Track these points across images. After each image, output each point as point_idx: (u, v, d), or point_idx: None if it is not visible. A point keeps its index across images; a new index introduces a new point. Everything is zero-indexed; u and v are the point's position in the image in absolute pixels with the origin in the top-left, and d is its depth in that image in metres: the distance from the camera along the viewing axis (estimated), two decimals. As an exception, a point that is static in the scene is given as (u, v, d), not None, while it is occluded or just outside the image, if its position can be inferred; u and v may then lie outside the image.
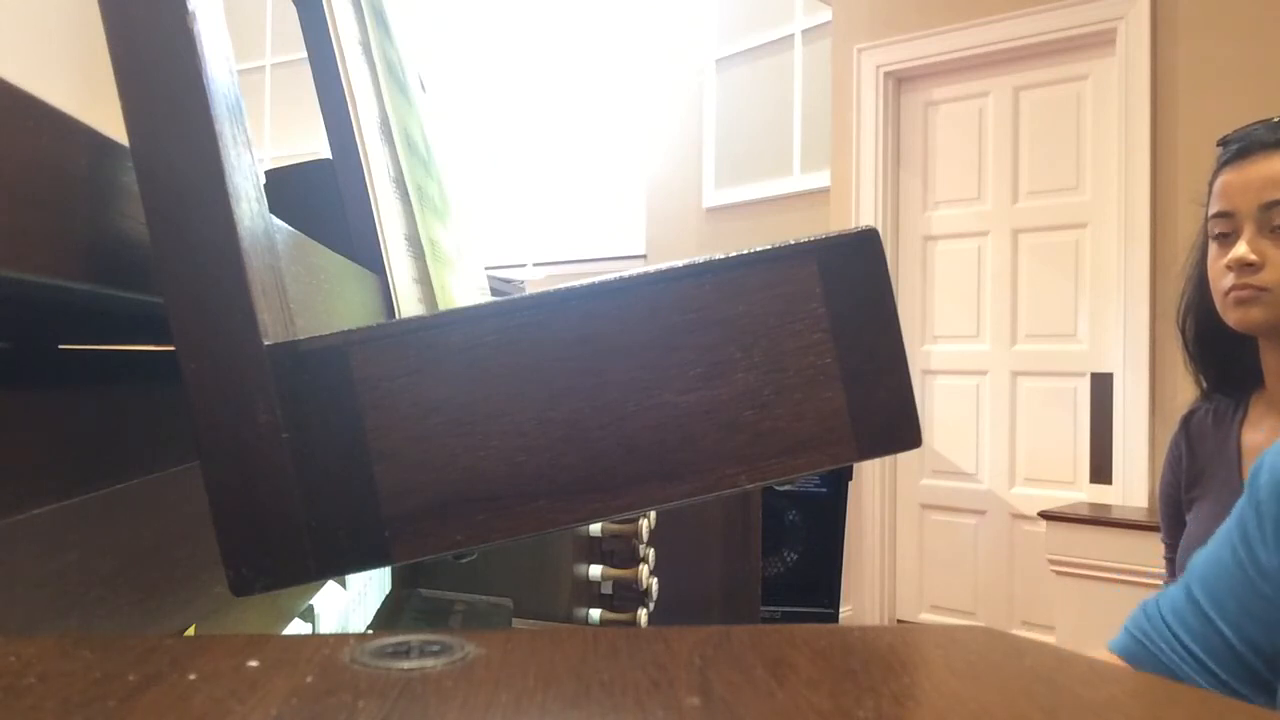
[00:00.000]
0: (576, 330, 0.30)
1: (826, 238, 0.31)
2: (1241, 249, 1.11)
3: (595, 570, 1.23)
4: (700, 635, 0.25)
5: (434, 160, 0.72)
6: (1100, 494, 3.20)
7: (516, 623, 1.10)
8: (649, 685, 0.21)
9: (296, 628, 0.62)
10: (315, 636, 0.27)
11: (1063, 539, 2.93)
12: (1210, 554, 0.87)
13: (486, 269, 1.05)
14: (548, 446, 0.30)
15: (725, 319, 0.30)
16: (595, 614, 1.21)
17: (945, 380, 3.66)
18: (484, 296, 0.85)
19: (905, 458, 3.65)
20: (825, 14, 3.94)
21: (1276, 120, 1.14)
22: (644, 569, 1.25)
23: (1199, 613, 0.85)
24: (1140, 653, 0.88)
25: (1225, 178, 1.15)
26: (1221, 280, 1.14)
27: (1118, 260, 3.16)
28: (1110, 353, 3.21)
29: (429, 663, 0.22)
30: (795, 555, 3.19)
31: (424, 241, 0.58)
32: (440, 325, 0.30)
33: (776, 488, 3.02)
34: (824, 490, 3.20)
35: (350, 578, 0.76)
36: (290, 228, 0.37)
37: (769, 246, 0.31)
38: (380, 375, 0.29)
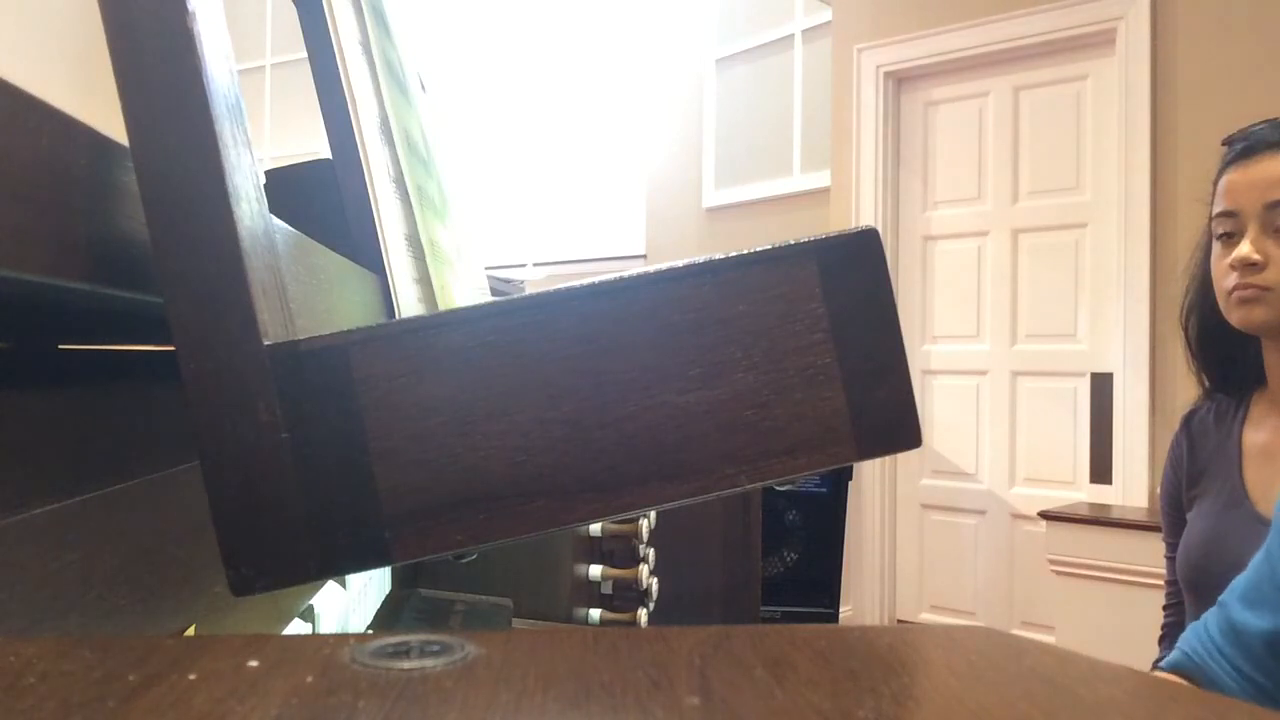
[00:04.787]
0: (576, 330, 0.30)
1: (826, 238, 0.31)
2: (1245, 248, 1.11)
3: (595, 570, 1.23)
4: (700, 635, 0.25)
5: (434, 160, 0.72)
6: (1100, 494, 3.20)
7: (516, 623, 1.10)
8: (649, 685, 0.21)
9: (296, 628, 0.62)
10: (315, 636, 0.27)
11: (1063, 539, 2.93)
12: (1248, 578, 0.91)
13: (486, 269, 1.05)
14: (548, 446, 0.30)
15: (725, 319, 0.30)
16: (595, 614, 1.21)
17: (945, 380, 3.66)
18: (484, 296, 0.85)
19: (905, 458, 3.65)
20: (825, 14, 3.94)
21: None
22: (644, 569, 1.25)
23: (1238, 634, 0.89)
24: (1192, 669, 0.92)
25: (1230, 177, 1.15)
26: (1225, 280, 1.14)
27: (1118, 260, 3.16)
28: (1110, 353, 3.21)
29: (429, 663, 0.22)
30: (795, 555, 3.18)
31: (424, 241, 0.58)
32: (440, 325, 0.30)
33: (776, 488, 3.02)
34: (824, 490, 3.20)
35: (350, 578, 0.76)
36: (290, 228, 0.37)
37: (769, 246, 0.31)
38: (380, 375, 0.29)
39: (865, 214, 3.72)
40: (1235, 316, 1.14)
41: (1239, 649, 0.88)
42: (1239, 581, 0.92)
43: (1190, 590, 1.20)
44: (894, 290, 0.32)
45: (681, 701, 0.20)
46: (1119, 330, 3.15)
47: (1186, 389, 1.34)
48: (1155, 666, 1.20)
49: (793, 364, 0.30)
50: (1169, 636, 1.28)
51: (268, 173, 0.65)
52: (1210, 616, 0.93)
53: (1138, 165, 3.09)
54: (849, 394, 0.31)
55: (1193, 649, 0.93)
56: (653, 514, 1.28)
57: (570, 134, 5.13)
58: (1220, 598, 0.93)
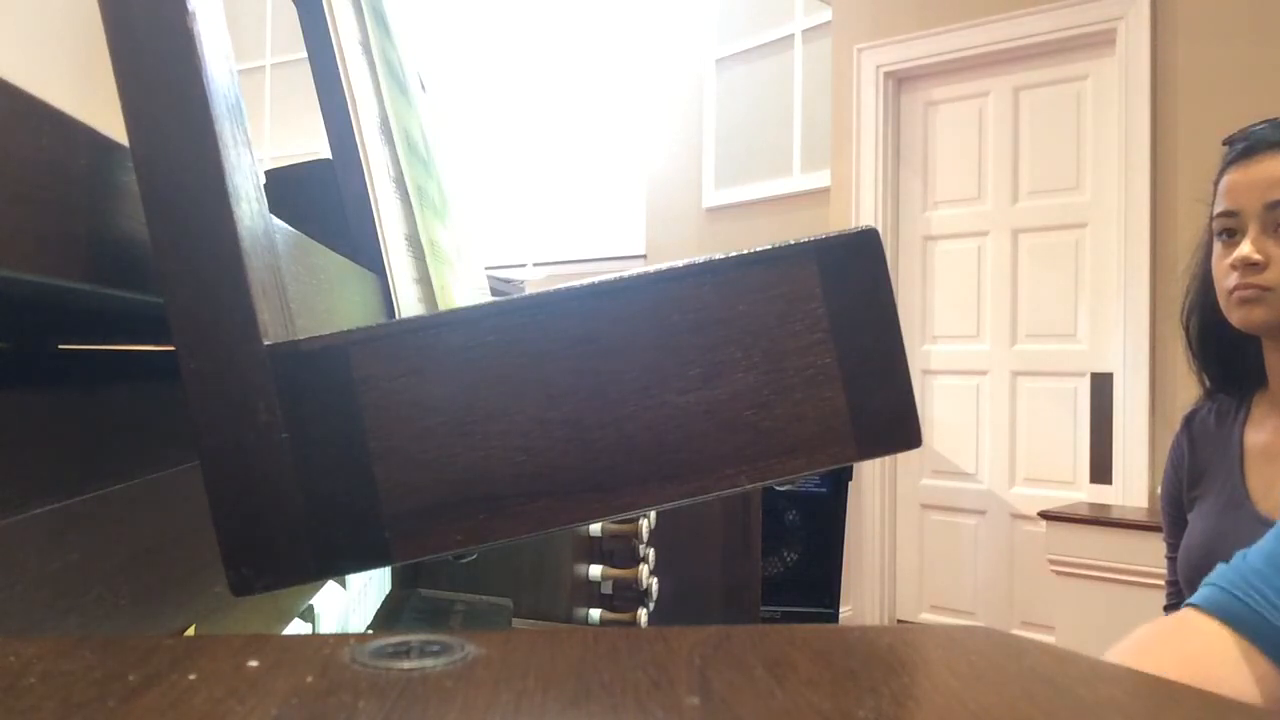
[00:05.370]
0: (576, 330, 0.30)
1: (826, 238, 0.31)
2: (1246, 248, 1.11)
3: (595, 570, 1.23)
4: (700, 635, 0.25)
5: (434, 160, 0.72)
6: (1100, 494, 3.20)
7: (516, 623, 1.10)
8: (649, 685, 0.21)
9: (296, 628, 0.62)
10: (315, 636, 0.27)
11: (1063, 539, 2.93)
12: None
13: (486, 269, 1.05)
14: (548, 446, 0.30)
15: (725, 319, 0.30)
16: (595, 614, 1.21)
17: (945, 380, 3.66)
18: (484, 296, 0.85)
19: (905, 458, 3.65)
20: (825, 14, 3.94)
21: None
22: (644, 569, 1.25)
23: None
24: (1232, 605, 0.83)
25: (1230, 177, 1.15)
26: (1225, 279, 1.14)
27: (1118, 260, 3.16)
28: (1110, 353, 3.21)
29: (429, 663, 0.22)
30: (795, 555, 3.19)
31: (424, 241, 0.58)
32: (440, 325, 0.30)
33: (776, 488, 3.02)
34: (824, 490, 3.20)
35: (350, 578, 0.76)
36: (290, 228, 0.37)
37: (769, 246, 0.31)
38: (380, 375, 0.29)
39: (865, 214, 3.72)
40: (1236, 316, 1.14)
41: None
42: None
43: (1191, 590, 1.20)
44: (894, 290, 0.32)
45: (681, 701, 0.20)
46: (1119, 330, 3.15)
47: (1186, 389, 1.34)
48: (1172, 609, 1.16)
49: (793, 364, 0.30)
50: (1169, 636, 1.28)
51: (268, 173, 0.65)
52: (1253, 551, 0.85)
53: (1138, 165, 3.09)
54: (849, 394, 0.31)
55: (1230, 583, 0.84)
56: (653, 514, 1.28)
57: (570, 134, 5.13)
58: (1270, 532, 0.85)
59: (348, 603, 0.75)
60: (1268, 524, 1.13)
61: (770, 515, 3.03)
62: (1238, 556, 0.86)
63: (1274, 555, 0.82)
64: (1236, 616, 0.80)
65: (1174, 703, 0.21)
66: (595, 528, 1.19)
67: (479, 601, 1.05)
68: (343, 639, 0.24)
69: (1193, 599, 0.86)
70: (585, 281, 0.30)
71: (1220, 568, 0.87)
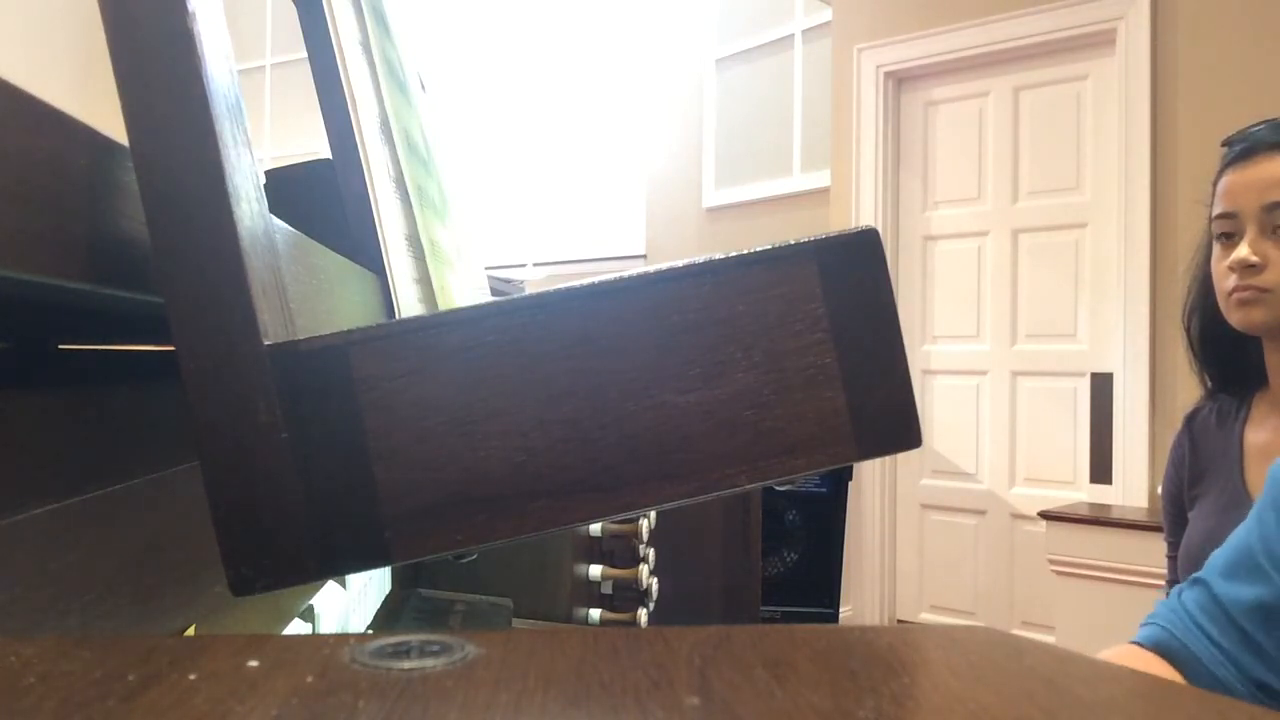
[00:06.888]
0: (576, 330, 0.30)
1: (826, 238, 0.31)
2: (1243, 250, 1.11)
3: (595, 570, 1.23)
4: (700, 635, 0.25)
5: (434, 160, 0.72)
6: (1100, 494, 3.20)
7: (516, 623, 1.10)
8: (649, 685, 0.21)
9: (296, 628, 0.62)
10: (315, 636, 0.27)
11: (1063, 539, 2.93)
12: (1228, 552, 0.88)
13: (486, 269, 1.04)
14: (548, 446, 0.30)
15: (725, 319, 0.30)
16: (595, 614, 1.21)
17: (945, 380, 3.66)
18: (484, 296, 0.85)
19: (905, 458, 3.65)
20: (825, 14, 3.94)
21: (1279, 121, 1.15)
22: (644, 569, 1.25)
23: (1221, 609, 0.86)
24: (1171, 643, 0.88)
25: (1229, 178, 1.16)
26: (1224, 281, 1.14)
27: (1118, 260, 3.16)
28: (1110, 353, 3.21)
29: (429, 663, 0.22)
30: (795, 555, 3.19)
31: (424, 241, 0.58)
32: (440, 325, 0.30)
33: (776, 488, 3.02)
34: (824, 490, 3.20)
35: (350, 578, 0.76)
36: (290, 228, 0.37)
37: (769, 246, 0.31)
38: (380, 375, 0.29)
39: (865, 214, 3.72)
40: (1235, 318, 1.14)
41: (1219, 624, 0.85)
42: (1217, 557, 0.90)
43: (1190, 590, 1.20)
44: (894, 290, 0.32)
45: (681, 701, 0.20)
46: (1119, 330, 3.15)
47: (1187, 389, 1.34)
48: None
49: (793, 364, 0.30)
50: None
51: (268, 173, 0.65)
52: (1187, 594, 0.90)
53: (1138, 165, 3.09)
54: (849, 394, 0.31)
55: (1171, 624, 0.89)
56: (653, 514, 1.28)
57: (570, 134, 5.13)
58: (1196, 575, 0.90)
59: (348, 603, 0.75)
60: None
61: (770, 515, 3.03)
62: (1173, 596, 0.91)
63: (1209, 605, 0.87)
64: (1175, 655, 0.87)
65: (1174, 703, 0.21)
66: (595, 528, 1.19)
67: (479, 601, 1.05)
68: (343, 639, 0.24)
69: (1137, 636, 0.92)
70: (585, 281, 0.30)
71: (1162, 609, 0.92)
